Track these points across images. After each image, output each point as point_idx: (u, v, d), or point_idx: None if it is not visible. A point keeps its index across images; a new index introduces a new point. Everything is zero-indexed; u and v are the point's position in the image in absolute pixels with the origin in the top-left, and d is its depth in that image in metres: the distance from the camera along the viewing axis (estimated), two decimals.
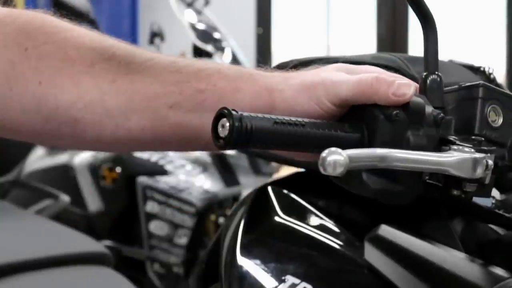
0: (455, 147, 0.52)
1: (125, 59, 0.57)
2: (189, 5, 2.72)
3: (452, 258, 0.57)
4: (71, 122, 0.57)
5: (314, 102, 0.55)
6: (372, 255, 0.61)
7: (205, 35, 2.63)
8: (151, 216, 2.32)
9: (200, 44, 2.57)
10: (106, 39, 0.59)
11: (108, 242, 2.33)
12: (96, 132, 0.57)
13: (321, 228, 0.68)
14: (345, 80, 0.55)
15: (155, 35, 3.00)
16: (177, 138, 0.58)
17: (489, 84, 0.56)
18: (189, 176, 2.36)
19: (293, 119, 0.51)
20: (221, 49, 2.60)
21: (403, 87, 0.53)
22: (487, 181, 0.53)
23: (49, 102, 0.56)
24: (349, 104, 0.55)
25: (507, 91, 0.58)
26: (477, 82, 0.56)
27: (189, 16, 2.68)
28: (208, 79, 0.57)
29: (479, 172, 0.51)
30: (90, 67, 0.56)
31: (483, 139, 0.54)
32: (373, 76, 0.54)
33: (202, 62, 0.59)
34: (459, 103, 0.57)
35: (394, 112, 0.52)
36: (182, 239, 2.27)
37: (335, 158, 0.45)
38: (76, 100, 0.56)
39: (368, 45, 4.19)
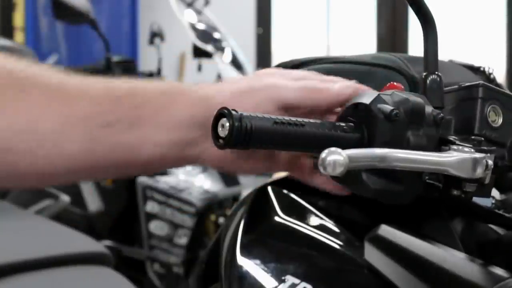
0: (455, 147, 0.52)
1: (58, 84, 0.56)
2: (189, 5, 2.72)
3: (452, 258, 0.57)
4: (2, 152, 0.54)
5: (258, 105, 0.57)
6: (372, 255, 0.61)
7: (205, 35, 2.63)
8: (151, 216, 2.32)
9: (200, 44, 2.57)
10: (38, 65, 0.57)
11: (108, 242, 2.33)
12: (28, 160, 0.55)
13: (321, 228, 0.68)
14: (290, 85, 0.58)
15: (155, 35, 2.99)
16: (114, 161, 0.57)
17: (489, 84, 0.56)
18: (189, 176, 2.36)
19: (293, 119, 0.51)
20: (221, 49, 2.59)
21: (344, 87, 0.59)
22: (487, 181, 0.53)
23: None
24: (295, 107, 0.58)
25: (507, 91, 0.58)
26: (477, 82, 0.56)
27: (189, 16, 2.67)
28: (143, 95, 0.57)
29: (479, 172, 0.51)
30: (21, 92, 0.54)
31: (483, 139, 0.54)
32: (317, 79, 0.58)
33: (137, 81, 0.60)
34: (459, 103, 0.57)
35: (394, 112, 0.52)
36: (182, 239, 2.27)
37: (335, 158, 0.45)
38: (6, 128, 0.54)
39: (368, 45, 4.19)
